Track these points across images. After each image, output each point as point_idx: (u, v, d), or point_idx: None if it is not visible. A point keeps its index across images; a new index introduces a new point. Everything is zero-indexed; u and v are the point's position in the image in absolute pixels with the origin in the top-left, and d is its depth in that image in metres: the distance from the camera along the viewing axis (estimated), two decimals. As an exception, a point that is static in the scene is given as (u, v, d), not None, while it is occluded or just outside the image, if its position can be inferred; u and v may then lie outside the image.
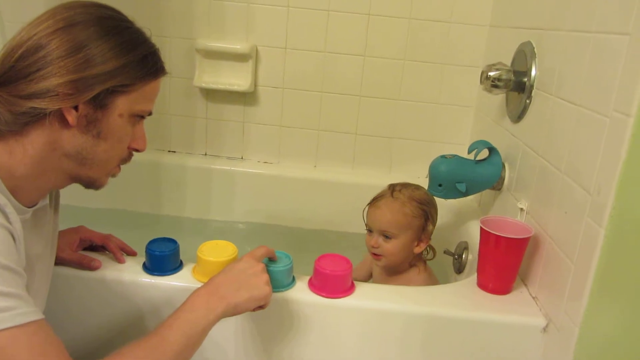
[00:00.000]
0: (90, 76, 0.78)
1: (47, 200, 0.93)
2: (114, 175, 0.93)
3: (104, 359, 0.75)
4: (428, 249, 1.35)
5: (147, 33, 0.88)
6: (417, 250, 1.30)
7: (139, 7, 1.80)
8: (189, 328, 0.84)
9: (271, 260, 1.06)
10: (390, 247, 1.29)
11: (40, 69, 0.77)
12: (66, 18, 0.80)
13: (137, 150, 0.92)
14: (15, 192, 0.81)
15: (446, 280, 1.56)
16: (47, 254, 0.94)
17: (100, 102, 0.81)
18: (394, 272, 1.34)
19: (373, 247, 1.30)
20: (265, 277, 0.95)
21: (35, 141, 0.80)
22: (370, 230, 1.32)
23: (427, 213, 1.31)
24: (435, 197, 1.36)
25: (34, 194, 0.86)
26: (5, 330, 0.67)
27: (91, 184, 0.90)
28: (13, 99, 0.77)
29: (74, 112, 0.80)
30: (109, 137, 0.85)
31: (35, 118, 0.78)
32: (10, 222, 0.76)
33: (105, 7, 0.85)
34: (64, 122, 0.80)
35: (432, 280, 1.34)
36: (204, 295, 0.89)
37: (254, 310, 0.95)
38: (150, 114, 0.91)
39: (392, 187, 1.34)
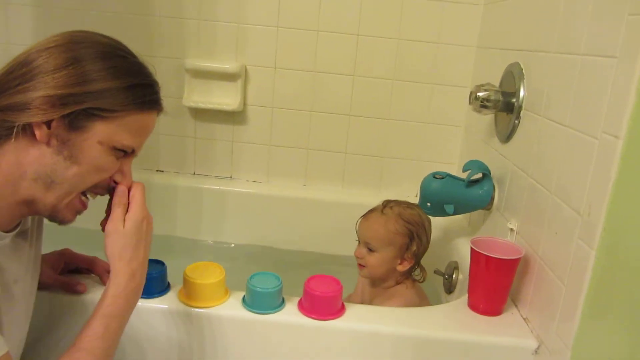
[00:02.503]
0: (68, 94, 0.75)
1: (28, 224, 0.89)
2: (78, 211, 0.87)
3: None
4: (418, 270, 1.35)
5: (150, 69, 0.86)
6: (400, 268, 1.30)
7: (129, 27, 1.80)
8: (122, 316, 0.85)
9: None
10: (371, 260, 1.31)
11: (20, 83, 0.75)
12: (65, 37, 0.79)
13: (116, 183, 0.87)
14: None
15: (436, 300, 1.55)
16: (28, 279, 0.91)
17: (75, 123, 0.77)
18: (379, 285, 1.35)
19: (357, 257, 1.33)
20: (149, 218, 0.91)
21: (4, 158, 0.77)
22: (359, 241, 1.34)
23: (413, 233, 1.31)
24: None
25: (9, 218, 0.82)
26: None
27: (53, 215, 0.84)
28: None
29: (44, 128, 0.76)
30: (82, 162, 0.80)
31: (6, 132, 0.75)
32: None
33: (109, 38, 0.83)
34: (33, 139, 0.77)
35: (420, 297, 1.34)
36: (131, 297, 0.86)
37: None
38: (133, 151, 0.86)
39: (386, 203, 1.36)
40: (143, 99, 0.82)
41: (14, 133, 0.75)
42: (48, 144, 0.77)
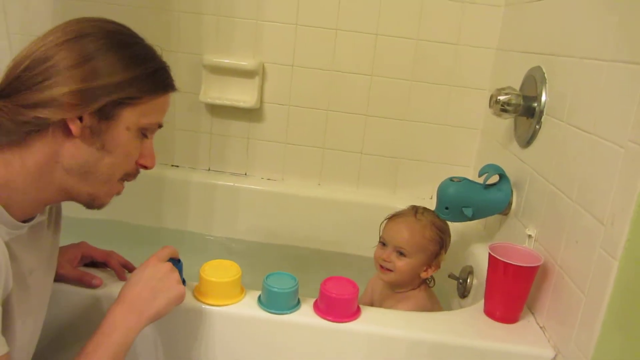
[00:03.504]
0: (96, 87, 0.77)
1: (45, 216, 0.90)
2: (118, 193, 0.90)
3: None
4: (430, 277, 1.34)
5: (158, 50, 0.88)
6: (424, 275, 1.30)
7: (147, 22, 1.80)
8: (113, 351, 0.83)
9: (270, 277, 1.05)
10: (401, 265, 1.28)
11: (46, 79, 0.76)
12: (75, 30, 0.80)
13: (144, 167, 0.90)
14: (9, 205, 0.78)
15: (449, 305, 1.54)
16: (43, 269, 0.91)
17: (105, 114, 0.79)
18: (394, 289, 1.33)
19: (385, 260, 1.29)
20: (176, 276, 0.95)
21: (35, 153, 0.79)
22: (383, 244, 1.31)
23: (444, 241, 1.31)
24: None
25: (29, 209, 0.83)
26: None
27: (92, 201, 0.87)
28: (17, 108, 0.76)
29: (78, 122, 0.78)
30: (113, 150, 0.83)
31: (38, 128, 0.77)
32: None
33: (115, 23, 0.85)
34: (67, 133, 0.79)
35: (432, 301, 1.33)
36: (121, 315, 0.87)
37: None
38: (160, 126, 0.90)
39: (415, 209, 1.35)
40: (165, 82, 0.86)
41: (51, 129, 0.77)
42: (81, 136, 0.79)
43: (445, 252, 1.33)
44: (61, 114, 0.76)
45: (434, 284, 1.37)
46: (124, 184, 0.90)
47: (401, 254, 1.28)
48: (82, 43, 0.78)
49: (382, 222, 1.35)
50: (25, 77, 0.76)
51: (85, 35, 0.79)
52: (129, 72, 0.80)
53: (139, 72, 0.81)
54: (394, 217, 1.34)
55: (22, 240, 0.82)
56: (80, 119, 0.78)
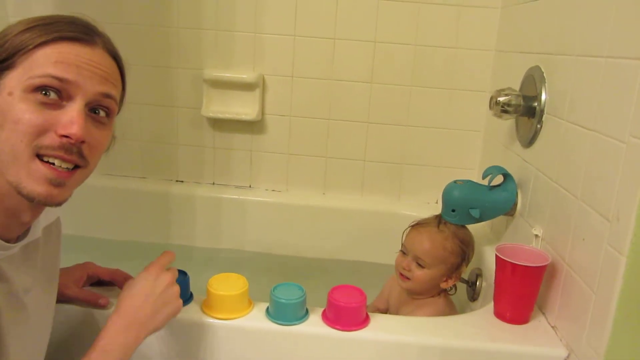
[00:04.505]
0: None
1: (39, 234, 0.88)
2: (46, 178, 0.73)
3: None
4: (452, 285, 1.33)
5: (88, 19, 0.78)
6: (444, 285, 1.28)
7: (148, 38, 1.81)
8: None
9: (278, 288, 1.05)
10: (420, 275, 1.27)
11: None
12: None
13: (66, 137, 0.74)
14: None
15: (460, 308, 1.53)
16: (41, 289, 0.89)
17: None
18: (412, 295, 1.32)
19: (404, 268, 1.28)
20: (176, 289, 0.93)
21: None
22: (404, 252, 1.31)
23: (465, 254, 1.29)
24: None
25: (7, 223, 0.78)
26: None
27: (21, 191, 0.73)
28: None
29: None
30: (4, 123, 0.71)
31: None
32: None
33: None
34: None
35: (450, 307, 1.32)
36: (121, 332, 0.85)
37: None
38: (57, 78, 0.72)
39: (439, 219, 1.33)
40: (46, 31, 0.73)
41: None
42: None
43: (467, 264, 1.32)
44: None
45: (455, 291, 1.36)
46: (49, 165, 0.74)
47: (420, 264, 1.27)
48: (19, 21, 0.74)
49: (406, 229, 1.34)
50: None
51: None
52: (16, 29, 0.73)
53: (16, 30, 0.73)
54: (416, 226, 1.32)
55: (14, 260, 0.81)
56: None
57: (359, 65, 1.80)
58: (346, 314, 1.03)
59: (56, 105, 0.74)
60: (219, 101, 1.84)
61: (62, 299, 1.00)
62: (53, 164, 0.74)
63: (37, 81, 0.72)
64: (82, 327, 1.06)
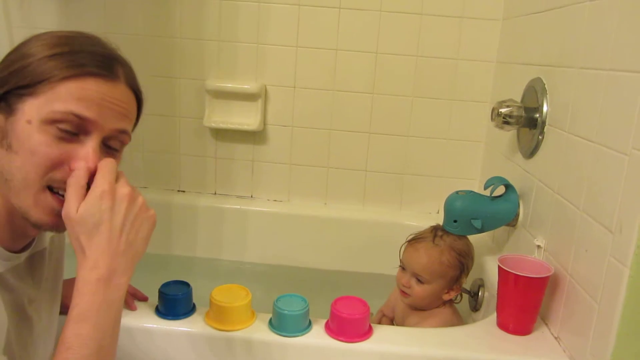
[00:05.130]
0: (2, 77, 0.71)
1: (45, 244, 0.88)
2: (53, 210, 0.73)
3: None
4: (457, 295, 1.33)
5: (112, 45, 0.78)
6: (446, 297, 1.29)
7: (151, 49, 1.82)
8: (98, 338, 0.67)
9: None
10: (420, 291, 1.27)
11: None
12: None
13: None
14: None
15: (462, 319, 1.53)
16: (46, 299, 0.90)
17: (9, 108, 0.71)
18: (416, 308, 1.32)
19: (404, 285, 1.29)
20: (140, 199, 0.73)
21: None
22: (403, 268, 1.31)
23: (464, 265, 1.29)
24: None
25: (9, 235, 0.77)
26: None
27: (28, 218, 0.73)
28: None
29: None
30: (19, 149, 0.70)
31: None
32: None
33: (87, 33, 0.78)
34: None
35: (457, 317, 1.32)
36: (98, 290, 0.68)
37: None
38: (79, 117, 0.71)
39: (435, 232, 1.32)
40: (71, 64, 0.71)
41: None
42: None
43: (467, 275, 1.31)
44: None
45: (461, 300, 1.36)
46: (58, 197, 0.73)
47: (420, 280, 1.27)
48: (29, 39, 0.73)
49: (403, 244, 1.33)
50: None
51: (39, 34, 0.74)
52: (40, 54, 0.71)
53: (41, 55, 0.71)
54: (412, 242, 1.32)
55: (19, 270, 0.81)
56: None
57: (361, 76, 1.81)
58: (349, 326, 1.02)
59: (72, 140, 0.72)
60: (221, 111, 1.85)
61: (64, 310, 0.99)
62: (62, 195, 0.72)
63: (58, 116, 0.70)
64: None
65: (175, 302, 1.07)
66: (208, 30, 1.81)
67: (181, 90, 1.86)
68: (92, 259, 0.68)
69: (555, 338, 1.09)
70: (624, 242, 0.87)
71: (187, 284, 1.11)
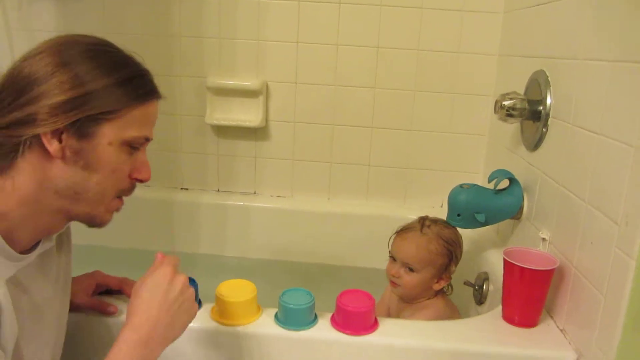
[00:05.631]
0: (65, 100, 0.74)
1: (53, 242, 0.89)
2: (117, 210, 0.86)
3: None
4: (447, 286, 1.34)
5: (138, 58, 0.84)
6: (436, 287, 1.29)
7: (151, 48, 1.82)
8: None
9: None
10: (409, 280, 1.28)
11: (16, 98, 0.73)
12: (47, 44, 0.78)
13: (140, 181, 0.86)
14: (9, 236, 0.76)
15: (467, 312, 1.53)
16: (58, 297, 0.91)
17: (82, 131, 0.76)
18: (409, 301, 1.33)
19: (393, 276, 1.29)
20: (191, 291, 0.85)
21: (24, 178, 0.76)
22: (393, 258, 1.31)
23: (452, 253, 1.30)
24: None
25: (30, 236, 0.81)
26: None
27: (91, 221, 0.84)
28: None
29: (55, 142, 0.75)
30: (99, 168, 0.79)
31: (14, 148, 0.74)
32: None
33: (90, 36, 0.82)
34: (47, 155, 0.75)
35: (451, 309, 1.33)
36: (135, 349, 0.76)
37: None
38: (147, 139, 0.85)
39: (422, 222, 1.34)
40: (138, 92, 0.81)
41: (22, 148, 0.75)
42: (63, 158, 0.76)
43: (457, 264, 1.32)
44: (32, 130, 0.73)
45: (452, 291, 1.37)
46: (122, 200, 0.87)
47: (410, 269, 1.28)
48: (52, 54, 0.76)
49: (391, 236, 1.34)
50: None
51: (57, 46, 0.77)
52: (97, 82, 0.76)
53: (109, 81, 0.77)
54: (401, 232, 1.33)
55: (30, 270, 0.82)
56: (59, 139, 0.75)
57: (362, 71, 1.81)
58: (355, 319, 1.03)
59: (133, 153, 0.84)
60: (223, 108, 1.85)
61: (72, 307, 1.00)
62: (121, 197, 0.87)
63: (132, 139, 0.81)
64: (92, 336, 1.06)
65: (181, 298, 1.07)
66: (208, 28, 1.81)
67: (182, 88, 1.86)
68: (137, 322, 0.78)
69: (561, 330, 1.09)
70: (630, 233, 0.86)
71: (193, 280, 1.10)
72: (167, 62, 1.83)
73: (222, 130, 1.89)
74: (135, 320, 0.79)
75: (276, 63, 1.82)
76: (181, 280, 0.84)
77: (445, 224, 1.35)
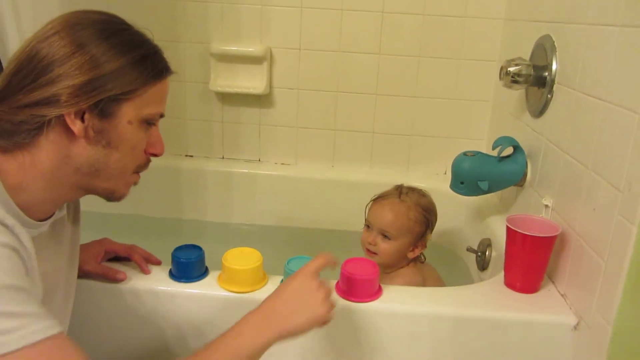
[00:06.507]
0: (91, 79, 0.76)
1: (64, 211, 0.91)
2: (135, 184, 0.91)
3: None
4: (421, 254, 1.36)
5: (149, 34, 0.86)
6: (411, 255, 1.31)
7: (153, 13, 1.80)
8: (234, 353, 0.79)
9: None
10: (386, 247, 1.29)
11: (36, 78, 0.75)
12: (60, 23, 0.78)
13: (154, 155, 0.90)
14: (27, 207, 0.78)
15: (470, 278, 1.55)
16: (67, 264, 0.93)
17: (104, 111, 0.78)
18: (383, 270, 1.33)
19: (370, 243, 1.31)
20: (322, 295, 0.87)
21: (45, 154, 0.78)
22: (368, 226, 1.32)
23: (429, 221, 1.32)
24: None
25: (47, 208, 0.84)
26: (16, 351, 0.63)
27: (110, 195, 0.88)
28: (12, 110, 0.75)
29: (79, 122, 0.77)
30: (120, 146, 0.82)
31: (37, 127, 0.76)
32: (20, 242, 0.73)
33: (102, 12, 0.83)
34: (70, 134, 0.78)
35: (426, 276, 1.34)
36: (254, 320, 0.83)
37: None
38: (162, 116, 0.88)
39: (400, 189, 1.35)
40: (157, 68, 0.83)
41: (45, 127, 0.76)
42: (86, 137, 0.79)
43: (432, 232, 1.33)
44: (57, 111, 0.75)
45: (425, 260, 1.38)
46: (139, 175, 0.91)
47: (386, 236, 1.29)
48: (67, 35, 0.77)
49: (367, 204, 1.35)
50: (17, 80, 0.76)
51: (70, 26, 0.78)
52: (115, 62, 0.78)
53: (126, 61, 0.79)
54: (378, 199, 1.34)
55: (43, 238, 0.84)
56: (82, 119, 0.78)
57: (367, 37, 1.79)
58: (360, 286, 1.04)
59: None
60: (227, 75, 1.84)
61: (81, 274, 1.03)
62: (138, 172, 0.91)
63: (150, 117, 0.85)
64: (103, 302, 1.09)
65: (188, 265, 1.09)
66: (211, -8, 1.78)
67: (186, 55, 1.84)
68: (263, 304, 0.87)
69: (562, 295, 1.10)
70: (633, 200, 0.87)
71: (199, 248, 1.12)
72: (170, 28, 1.81)
73: (227, 97, 1.88)
74: (262, 303, 0.87)
75: (280, 28, 1.80)
76: (316, 282, 0.88)
77: (421, 192, 1.35)
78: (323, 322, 0.88)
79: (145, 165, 0.90)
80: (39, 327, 0.66)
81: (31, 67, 0.75)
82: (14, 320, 0.64)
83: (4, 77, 0.77)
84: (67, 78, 0.75)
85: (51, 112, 0.75)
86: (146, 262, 1.13)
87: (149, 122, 0.85)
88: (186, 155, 1.97)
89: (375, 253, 1.30)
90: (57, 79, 0.75)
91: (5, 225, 0.71)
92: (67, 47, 0.76)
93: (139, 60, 0.80)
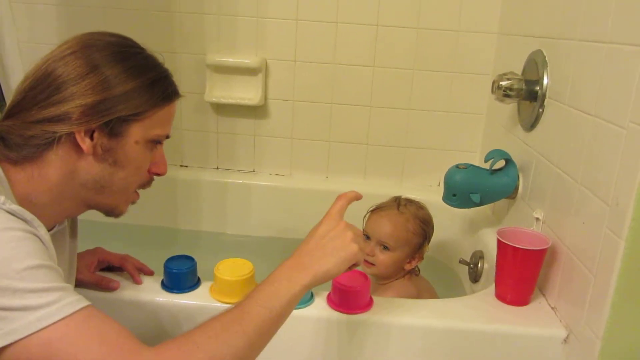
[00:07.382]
0: (103, 99, 0.79)
1: (64, 224, 0.93)
2: (133, 202, 0.93)
3: (181, 335, 0.76)
4: (416, 267, 1.36)
5: (160, 58, 0.89)
6: (407, 267, 1.32)
7: (150, 24, 1.81)
8: (271, 300, 0.79)
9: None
10: (384, 259, 1.30)
11: (49, 96, 0.78)
12: (76, 44, 0.82)
13: (157, 174, 0.93)
14: None
15: (462, 290, 1.55)
16: (67, 279, 0.94)
17: (113, 131, 0.82)
18: (378, 281, 1.35)
19: (368, 254, 1.31)
20: (350, 234, 0.87)
21: (53, 169, 0.81)
22: (367, 237, 1.32)
23: (427, 233, 1.32)
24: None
25: (50, 221, 0.86)
26: (57, 322, 0.66)
27: (110, 211, 0.91)
28: (25, 124, 0.79)
29: (88, 140, 0.80)
30: (126, 165, 0.86)
31: (47, 142, 0.79)
32: (40, 234, 0.76)
33: (116, 35, 0.87)
34: (79, 151, 0.81)
35: (421, 289, 1.34)
36: (287, 268, 0.83)
37: (349, 269, 0.89)
38: (167, 137, 0.91)
39: (398, 201, 1.35)
40: (167, 92, 0.87)
41: (55, 143, 0.79)
42: (94, 154, 0.82)
43: (429, 243, 1.34)
44: (67, 128, 0.78)
45: (419, 272, 1.39)
46: (138, 194, 0.94)
47: (385, 247, 1.29)
48: (83, 56, 0.80)
49: (365, 214, 1.35)
50: (31, 95, 0.79)
51: (86, 47, 0.81)
52: (127, 85, 0.81)
53: (138, 84, 0.82)
54: (376, 210, 1.34)
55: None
56: (91, 137, 0.80)
57: (362, 49, 1.80)
58: (351, 297, 1.05)
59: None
60: (222, 86, 1.85)
61: (75, 283, 1.03)
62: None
63: (156, 137, 0.88)
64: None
65: (180, 276, 1.09)
66: (208, 4, 1.80)
67: (182, 66, 1.85)
68: (295, 252, 0.86)
69: (552, 308, 1.11)
70: (620, 214, 0.88)
71: (191, 259, 1.13)
72: (166, 39, 1.82)
73: (222, 108, 1.90)
74: (296, 249, 0.87)
75: (275, 40, 1.82)
76: (342, 222, 0.89)
77: (419, 204, 1.36)
78: (355, 260, 0.87)
79: (147, 183, 0.93)
80: (73, 300, 0.69)
81: (46, 85, 0.79)
82: (50, 295, 0.68)
83: (20, 92, 0.81)
84: (80, 97, 0.78)
85: (62, 129, 0.78)
86: (139, 272, 1.14)
87: (154, 142, 0.88)
88: (181, 166, 1.97)
89: (372, 264, 1.31)
90: (70, 97, 0.78)
91: (25, 220, 0.74)
92: (82, 67, 0.79)
93: (150, 83, 0.84)
